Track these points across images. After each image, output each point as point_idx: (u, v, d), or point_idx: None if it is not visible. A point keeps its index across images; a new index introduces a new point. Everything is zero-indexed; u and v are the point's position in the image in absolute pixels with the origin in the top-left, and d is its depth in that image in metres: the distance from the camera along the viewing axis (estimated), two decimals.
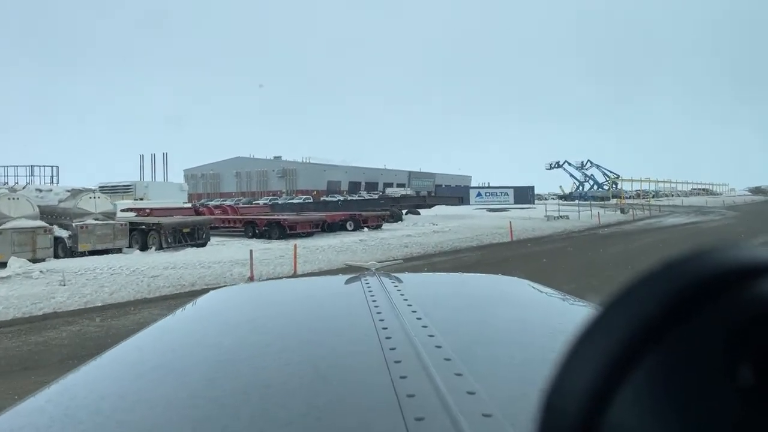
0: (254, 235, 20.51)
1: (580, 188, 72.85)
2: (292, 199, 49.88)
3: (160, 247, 16.33)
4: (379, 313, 1.15)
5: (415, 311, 1.14)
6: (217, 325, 1.37)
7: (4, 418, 0.84)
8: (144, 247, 16.77)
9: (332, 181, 77.48)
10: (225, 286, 2.53)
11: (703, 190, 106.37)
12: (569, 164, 75.75)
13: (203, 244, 17.09)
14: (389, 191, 62.68)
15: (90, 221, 15.76)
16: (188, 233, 16.67)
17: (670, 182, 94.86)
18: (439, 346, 0.89)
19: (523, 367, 0.90)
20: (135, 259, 14.28)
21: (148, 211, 24.69)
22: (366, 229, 23.40)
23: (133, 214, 25.10)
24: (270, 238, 19.76)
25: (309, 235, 20.73)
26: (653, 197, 71.33)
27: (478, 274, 2.02)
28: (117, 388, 0.95)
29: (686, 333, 0.25)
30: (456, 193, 51.52)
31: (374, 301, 1.27)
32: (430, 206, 33.74)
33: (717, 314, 0.24)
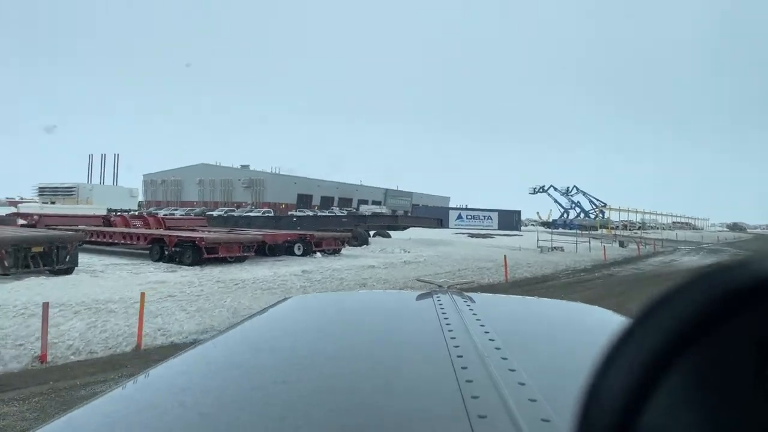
0: (161, 258, 15.19)
1: (565, 215, 68.84)
2: (250, 212, 44.35)
3: None
4: (450, 330, 1.14)
5: (488, 332, 1.11)
6: (292, 331, 1.38)
7: (96, 404, 0.89)
8: None
9: (303, 194, 72.24)
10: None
11: (685, 223, 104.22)
12: (555, 189, 71.83)
13: (67, 271, 11.73)
14: (363, 208, 57.68)
15: None
16: (41, 254, 11.27)
17: (655, 213, 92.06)
18: (512, 369, 0.87)
19: None
20: None
21: (36, 217, 19.23)
22: (318, 254, 18.28)
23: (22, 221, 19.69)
24: (181, 262, 14.49)
25: (240, 260, 15.54)
26: (640, 228, 67.87)
27: (555, 300, 1.94)
28: (199, 383, 0.98)
29: (721, 339, 0.25)
30: (434, 214, 46.69)
31: (446, 318, 1.26)
32: (403, 228, 28.75)
33: (753, 321, 0.24)
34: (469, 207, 57.16)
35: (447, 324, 1.19)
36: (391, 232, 27.97)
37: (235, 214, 41.26)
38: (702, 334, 0.26)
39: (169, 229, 19.66)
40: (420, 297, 1.62)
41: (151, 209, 53.63)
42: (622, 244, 31.36)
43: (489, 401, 0.75)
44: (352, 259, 17.76)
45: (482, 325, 1.17)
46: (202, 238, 14.38)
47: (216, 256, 14.62)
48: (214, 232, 18.25)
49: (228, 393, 0.89)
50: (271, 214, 38.62)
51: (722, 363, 0.25)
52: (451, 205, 74.96)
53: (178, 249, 14.82)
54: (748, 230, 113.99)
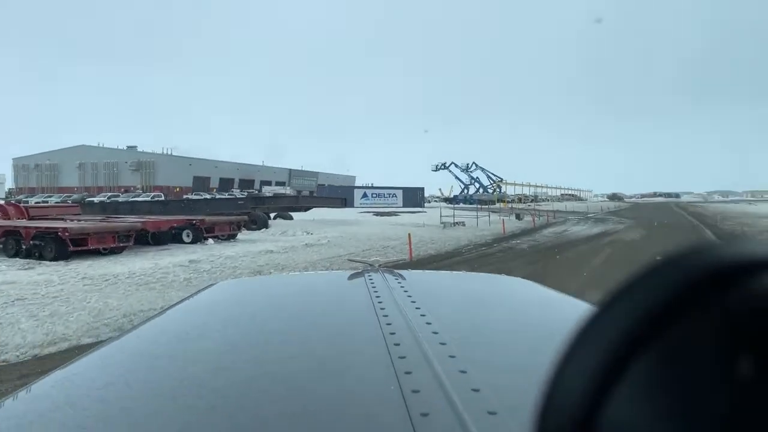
0: (18, 253, 13.06)
1: (466, 191, 71.14)
2: (137, 197, 40.73)
3: None
4: (383, 308, 1.15)
5: (419, 308, 1.13)
6: (222, 317, 1.34)
7: (8, 403, 0.84)
8: None
9: (199, 177, 67.94)
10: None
11: (572, 195, 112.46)
12: (456, 166, 73.86)
13: None
14: (266, 189, 55.38)
15: None
16: None
17: (546, 187, 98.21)
18: (443, 343, 0.89)
19: (527, 365, 0.89)
20: None
21: None
22: (211, 240, 16.81)
23: None
24: (42, 257, 12.51)
25: (116, 251, 13.75)
26: (533, 201, 71.92)
27: (481, 273, 2.05)
28: (122, 377, 0.94)
29: (686, 325, 0.24)
30: (339, 193, 45.87)
31: (378, 296, 1.27)
32: (306, 209, 27.61)
33: (718, 306, 0.24)
34: (374, 185, 56.95)
35: (379, 302, 1.20)
36: (293, 214, 26.76)
37: (120, 199, 37.58)
38: (668, 324, 0.25)
39: (32, 219, 17.08)
40: (351, 276, 1.62)
41: (21, 197, 47.64)
42: (518, 217, 32.64)
43: (421, 376, 0.76)
44: (248, 244, 16.50)
45: (413, 302, 1.19)
46: (65, 229, 12.46)
47: (85, 248, 12.78)
48: (85, 220, 16.08)
49: (152, 385, 0.86)
50: (162, 199, 35.57)
51: (689, 353, 0.24)
52: (357, 184, 74.48)
53: (37, 242, 12.77)
54: (625, 199, 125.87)
